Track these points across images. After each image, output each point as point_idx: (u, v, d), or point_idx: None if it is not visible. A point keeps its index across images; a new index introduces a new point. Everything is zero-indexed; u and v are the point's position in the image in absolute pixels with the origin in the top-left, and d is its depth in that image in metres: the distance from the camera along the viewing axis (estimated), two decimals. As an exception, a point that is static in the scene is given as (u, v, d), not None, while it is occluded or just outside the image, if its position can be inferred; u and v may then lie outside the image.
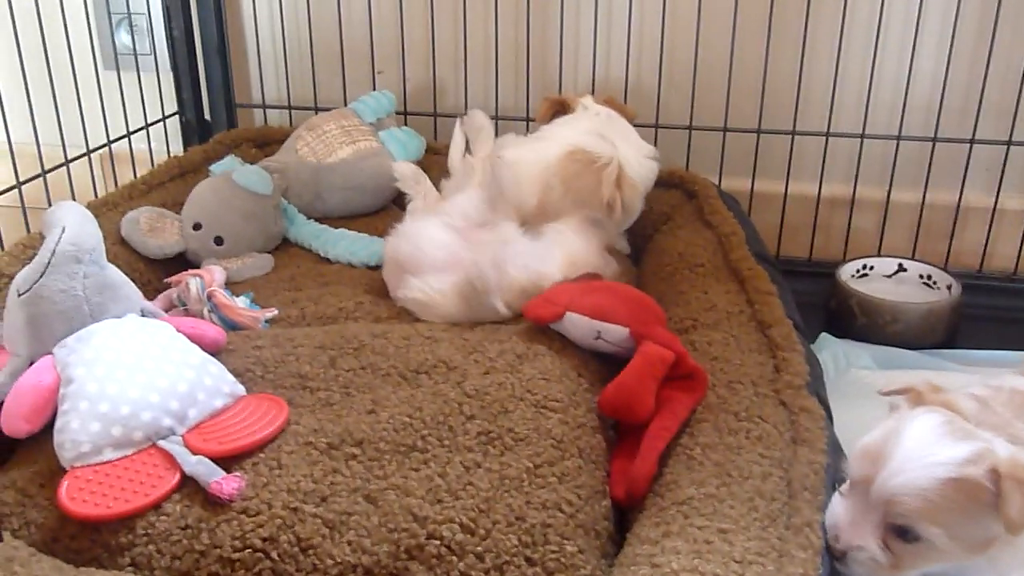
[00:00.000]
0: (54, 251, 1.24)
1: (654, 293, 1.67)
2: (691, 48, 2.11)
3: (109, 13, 2.31)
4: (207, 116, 2.45)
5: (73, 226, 1.27)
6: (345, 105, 2.21)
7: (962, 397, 1.18)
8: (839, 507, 1.09)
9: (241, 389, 1.27)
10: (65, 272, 1.24)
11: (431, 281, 1.53)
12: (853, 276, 1.98)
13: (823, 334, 1.84)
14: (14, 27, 1.80)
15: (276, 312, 1.59)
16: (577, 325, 1.39)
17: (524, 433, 1.20)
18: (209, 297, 1.56)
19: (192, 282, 1.58)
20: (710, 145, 2.16)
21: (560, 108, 1.84)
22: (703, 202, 1.91)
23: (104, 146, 2.09)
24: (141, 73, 2.24)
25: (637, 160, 1.78)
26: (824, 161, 2.12)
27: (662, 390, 1.30)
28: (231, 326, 1.53)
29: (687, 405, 1.29)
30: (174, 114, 2.40)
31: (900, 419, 1.09)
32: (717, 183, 2.09)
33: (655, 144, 2.14)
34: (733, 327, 1.48)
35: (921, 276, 1.98)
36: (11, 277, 1.50)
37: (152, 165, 2.16)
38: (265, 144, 2.27)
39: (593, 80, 2.19)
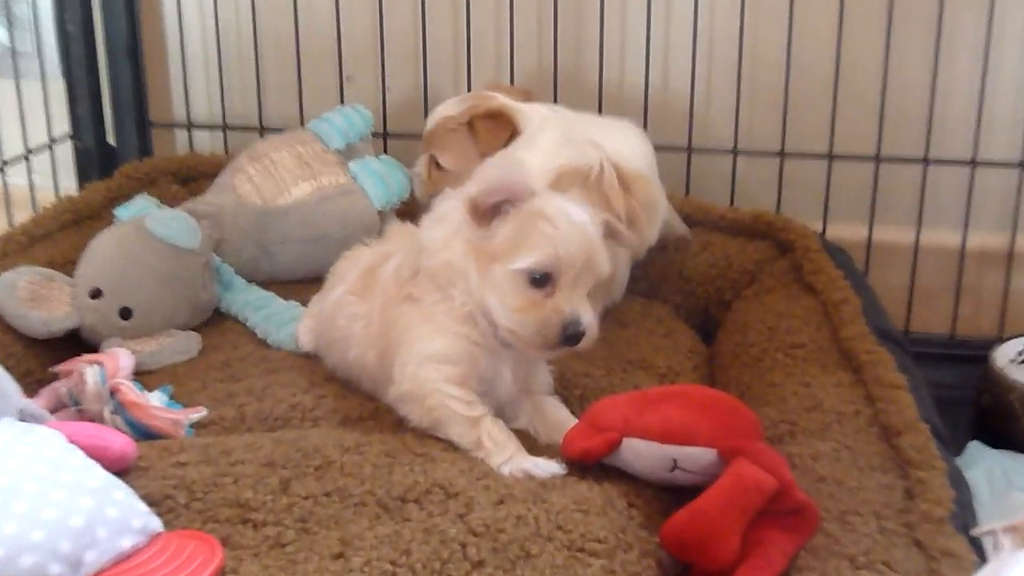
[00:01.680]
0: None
1: (735, 385, 1.69)
2: (779, 50, 2.15)
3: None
4: (111, 140, 2.49)
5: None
6: (302, 125, 2.25)
7: None
8: None
9: (157, 523, 1.26)
10: (-85, 359, 1.25)
11: None
12: (1013, 361, 1.98)
13: (973, 443, 1.84)
14: None
15: (205, 412, 1.59)
16: (642, 454, 1.39)
17: (554, 587, 1.20)
18: (112, 393, 1.57)
19: (89, 372, 1.59)
20: (808, 178, 2.18)
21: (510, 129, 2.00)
22: (802, 257, 1.92)
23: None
24: (21, 81, 2.27)
25: (627, 146, 1.90)
26: (969, 200, 2.13)
27: (754, 529, 1.29)
28: (143, 433, 1.54)
29: (787, 550, 1.28)
30: (66, 137, 2.44)
31: (1001, 564, 1.10)
32: (820, 230, 2.12)
33: (733, 179, 2.18)
34: (847, 435, 1.47)
35: (1109, 362, 1.98)
36: None
37: (35, 208, 2.20)
38: (191, 179, 2.31)
39: (646, 95, 2.22)
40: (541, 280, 1.43)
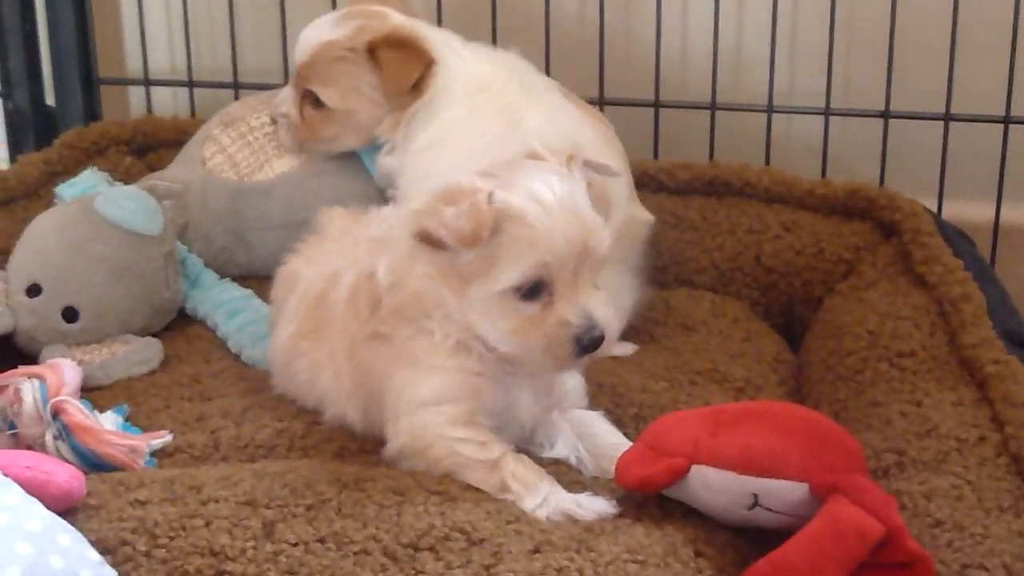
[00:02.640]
0: None
1: (828, 404, 1.68)
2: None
3: None
4: (49, 100, 2.51)
5: None
6: (287, 83, 2.25)
7: None
8: None
9: (111, 575, 1.26)
10: None
11: None
12: None
13: None
14: None
15: (169, 438, 1.60)
16: (715, 486, 1.38)
17: (603, 660, 1.20)
18: (55, 414, 1.57)
19: (26, 388, 1.60)
20: (920, 145, 2.19)
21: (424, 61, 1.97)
22: (910, 242, 1.91)
23: None
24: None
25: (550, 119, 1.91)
26: None
27: (854, 585, 1.29)
28: (93, 464, 1.54)
29: (893, 613, 1.28)
30: (-7, 97, 2.46)
31: None
32: (935, 209, 2.11)
33: (825, 146, 2.17)
34: (969, 467, 1.46)
35: None
36: None
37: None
38: (148, 149, 2.33)
39: (716, 42, 2.21)
40: (533, 291, 1.42)
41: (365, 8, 2.01)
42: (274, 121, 2.08)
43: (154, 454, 1.58)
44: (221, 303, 1.97)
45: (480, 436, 1.48)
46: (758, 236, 2.05)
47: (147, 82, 2.49)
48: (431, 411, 1.49)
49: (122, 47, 2.52)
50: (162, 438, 1.60)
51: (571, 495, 1.43)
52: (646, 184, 2.12)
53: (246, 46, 2.41)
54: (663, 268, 2.07)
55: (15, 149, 2.45)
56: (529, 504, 1.42)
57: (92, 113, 2.50)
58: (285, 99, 2.05)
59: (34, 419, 1.58)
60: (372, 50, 1.93)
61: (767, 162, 2.23)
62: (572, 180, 1.46)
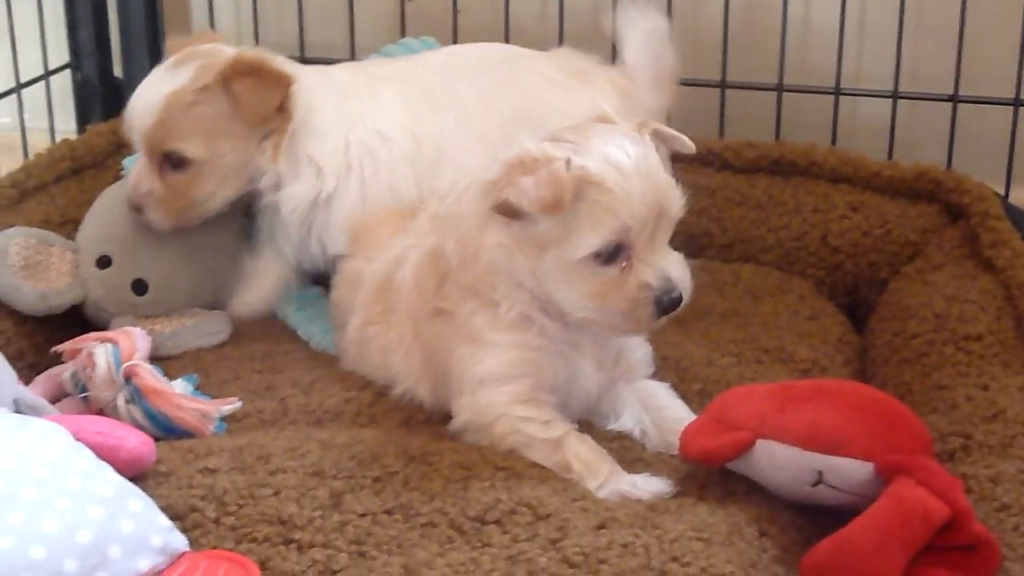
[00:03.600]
0: None
1: (893, 386, 1.67)
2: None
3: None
4: (117, 71, 2.52)
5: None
6: (353, 57, 2.25)
7: None
8: None
9: (182, 541, 1.28)
10: None
11: None
12: None
13: None
14: None
15: (239, 405, 1.61)
16: (780, 461, 1.38)
17: (669, 633, 1.20)
18: (127, 378, 1.59)
19: (100, 352, 1.61)
20: (988, 129, 2.17)
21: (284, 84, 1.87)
22: (978, 225, 1.90)
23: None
24: (13, 1, 2.30)
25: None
26: None
27: (916, 567, 1.28)
28: (164, 427, 1.56)
29: (959, 596, 1.27)
30: (63, 67, 2.47)
31: None
32: (1003, 192, 2.10)
33: (893, 128, 2.16)
34: (1039, 453, 1.45)
35: None
36: None
37: (26, 155, 2.23)
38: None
39: (784, 23, 2.20)
40: (612, 255, 1.42)
41: (194, 49, 1.88)
42: (139, 210, 1.87)
43: (223, 421, 1.59)
44: (290, 298, 1.98)
45: (543, 415, 1.49)
46: (824, 216, 2.03)
47: (216, 54, 2.49)
48: (493, 389, 1.50)
49: (189, 19, 2.54)
50: (231, 404, 1.61)
51: (629, 476, 1.44)
52: (711, 162, 2.12)
53: (313, 20, 2.41)
54: (728, 245, 2.06)
55: (83, 120, 2.47)
56: (592, 485, 1.42)
57: (161, 83, 2.49)
58: (141, 176, 1.86)
59: (106, 383, 1.59)
60: (226, 84, 1.80)
61: (833, 144, 2.21)
62: (644, 143, 1.46)
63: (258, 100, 1.80)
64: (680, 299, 1.44)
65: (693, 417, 1.52)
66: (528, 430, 1.48)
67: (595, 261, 1.42)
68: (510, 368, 1.50)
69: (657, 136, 1.50)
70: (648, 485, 1.42)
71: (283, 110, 1.83)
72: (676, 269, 1.44)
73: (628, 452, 1.52)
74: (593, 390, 1.56)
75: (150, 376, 1.60)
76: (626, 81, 1.92)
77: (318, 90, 1.87)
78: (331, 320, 1.84)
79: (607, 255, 1.42)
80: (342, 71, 1.95)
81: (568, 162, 1.39)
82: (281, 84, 1.82)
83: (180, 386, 1.64)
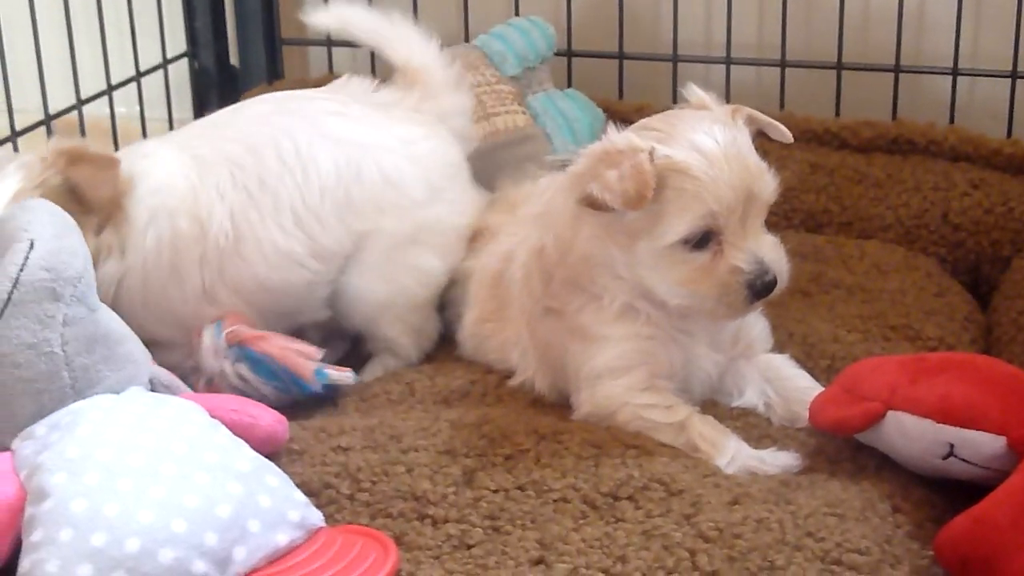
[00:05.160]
0: (16, 280, 1.29)
1: (1020, 362, 1.64)
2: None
3: None
4: (234, 60, 2.54)
5: (47, 240, 1.32)
6: (466, 41, 2.25)
7: None
8: None
9: (317, 517, 1.29)
10: (34, 315, 1.29)
11: None
12: None
13: None
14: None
15: (351, 378, 1.62)
16: (910, 432, 1.37)
17: (807, 608, 1.19)
18: (232, 343, 1.60)
19: (206, 330, 1.63)
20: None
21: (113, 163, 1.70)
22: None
23: (72, 109, 2.18)
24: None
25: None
26: None
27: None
28: (269, 372, 1.57)
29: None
30: (181, 56, 2.50)
31: None
32: None
33: (1012, 107, 2.13)
34: None
35: None
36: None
37: (146, 139, 2.24)
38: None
39: (900, 11, 2.18)
40: (702, 241, 1.41)
41: (29, 162, 1.69)
42: None
43: (329, 384, 1.60)
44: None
45: (664, 400, 1.49)
46: (945, 194, 2.01)
47: (329, 43, 2.50)
48: (610, 382, 1.50)
49: (302, 8, 2.54)
50: (346, 375, 1.61)
51: (755, 451, 1.43)
52: (828, 142, 2.11)
53: (425, 10, 2.41)
54: (848, 223, 2.04)
55: (200, 108, 2.49)
56: (720, 462, 1.42)
57: (275, 72, 2.53)
58: None
59: (212, 351, 1.60)
60: (68, 181, 1.65)
61: (951, 120, 2.19)
62: (735, 128, 1.45)
63: (97, 184, 1.67)
64: (774, 282, 1.42)
65: (818, 387, 1.52)
66: (651, 416, 1.48)
67: (684, 247, 1.42)
68: (623, 360, 1.50)
69: (752, 122, 1.49)
70: (776, 460, 1.42)
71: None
72: (770, 252, 1.43)
73: (754, 429, 1.51)
74: (712, 371, 1.55)
75: (249, 330, 1.61)
76: (415, 88, 1.83)
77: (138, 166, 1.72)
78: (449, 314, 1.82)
79: (696, 241, 1.41)
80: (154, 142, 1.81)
81: (651, 153, 1.39)
82: (111, 165, 1.69)
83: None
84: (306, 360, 1.58)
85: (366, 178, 1.68)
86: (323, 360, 1.62)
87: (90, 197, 1.66)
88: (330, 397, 1.63)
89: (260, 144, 1.67)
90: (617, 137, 1.44)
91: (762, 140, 1.52)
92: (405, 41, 1.84)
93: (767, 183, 1.43)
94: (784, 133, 1.53)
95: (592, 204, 1.42)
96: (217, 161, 1.67)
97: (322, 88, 1.85)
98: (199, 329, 1.64)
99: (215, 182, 1.66)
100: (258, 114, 1.74)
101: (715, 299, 1.43)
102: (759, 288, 1.41)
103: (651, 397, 1.48)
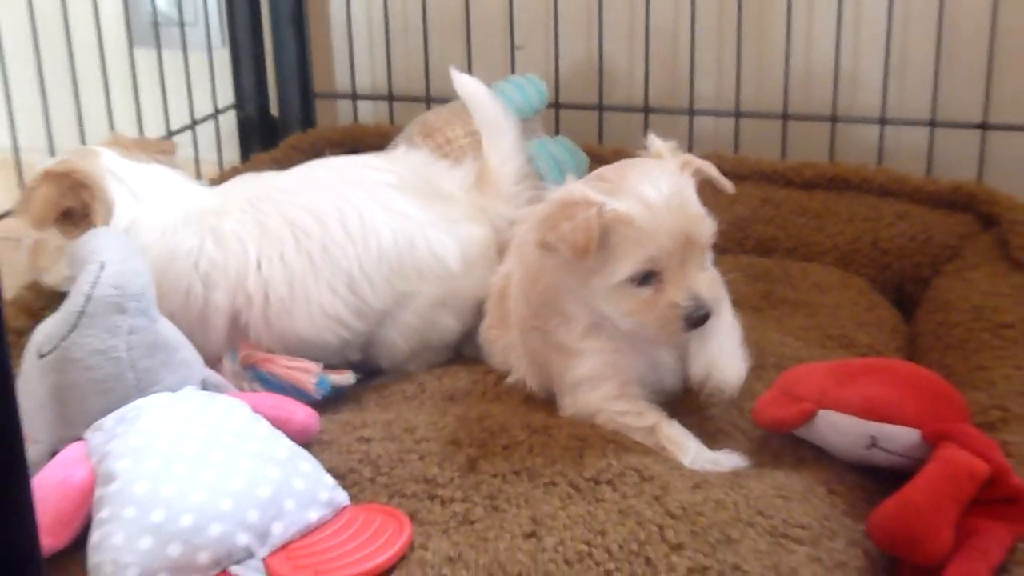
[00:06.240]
0: (89, 296, 1.30)
1: (937, 368, 1.63)
2: (983, 14, 2.09)
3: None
4: (274, 111, 2.55)
5: (115, 262, 1.33)
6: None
7: None
8: None
9: (343, 497, 1.29)
10: (104, 326, 1.30)
11: None
12: None
13: None
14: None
15: (351, 380, 1.60)
16: (838, 428, 1.37)
17: (757, 573, 1.18)
18: (246, 365, 1.59)
19: (226, 359, 1.62)
20: (1014, 151, 2.13)
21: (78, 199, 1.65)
22: (1008, 231, 1.87)
23: (136, 153, 2.19)
24: (188, 52, 2.35)
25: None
26: None
27: (967, 518, 1.25)
28: (277, 387, 1.56)
29: (1004, 542, 1.24)
30: (230, 107, 2.51)
31: None
32: (1026, 207, 2.06)
33: (930, 152, 2.13)
34: (1067, 422, 1.42)
35: None
36: (20, 333, 1.58)
37: (199, 179, 2.25)
38: (355, 150, 2.30)
39: (837, 64, 2.19)
40: (645, 279, 1.39)
41: (86, 148, 1.74)
42: None
43: (333, 387, 1.58)
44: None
45: (635, 408, 1.47)
46: (874, 224, 2.00)
47: (354, 96, 2.52)
48: (588, 390, 1.49)
49: (333, 67, 2.56)
50: (345, 378, 1.60)
51: (712, 454, 1.42)
52: (776, 180, 2.10)
53: (436, 65, 2.42)
54: (792, 249, 2.03)
55: (245, 151, 2.51)
56: (683, 460, 1.41)
57: (309, 122, 2.53)
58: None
59: (231, 374, 1.59)
60: (39, 181, 1.62)
61: (879, 162, 2.21)
62: (681, 178, 1.43)
63: (42, 207, 1.62)
64: (708, 315, 1.40)
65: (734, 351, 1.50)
66: (625, 421, 1.46)
67: (630, 284, 1.40)
68: (596, 371, 1.48)
69: (699, 173, 1.47)
70: (729, 461, 1.40)
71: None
72: (705, 288, 1.41)
73: (710, 423, 1.50)
74: (678, 369, 1.53)
75: (259, 352, 1.60)
76: (479, 182, 1.78)
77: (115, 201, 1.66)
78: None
79: (640, 279, 1.39)
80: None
81: (601, 209, 1.37)
82: (66, 200, 1.63)
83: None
84: (307, 375, 1.56)
85: (417, 248, 1.66)
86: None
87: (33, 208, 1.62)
88: (342, 396, 1.62)
89: (327, 214, 1.64)
90: (575, 188, 1.43)
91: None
92: (501, 141, 1.79)
93: (705, 229, 1.41)
94: (727, 185, 1.50)
95: (549, 248, 1.41)
96: (283, 228, 1.64)
97: (380, 156, 1.82)
98: (219, 357, 1.63)
99: (280, 251, 1.63)
100: (323, 183, 1.70)
101: (656, 328, 1.42)
102: (694, 320, 1.40)
103: (623, 405, 1.47)
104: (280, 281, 1.62)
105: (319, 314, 1.63)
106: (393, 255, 1.65)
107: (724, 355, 1.49)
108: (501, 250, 1.73)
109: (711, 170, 1.49)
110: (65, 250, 1.57)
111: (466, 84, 1.79)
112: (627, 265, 1.39)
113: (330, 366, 1.62)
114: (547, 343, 1.52)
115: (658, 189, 1.39)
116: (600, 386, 1.48)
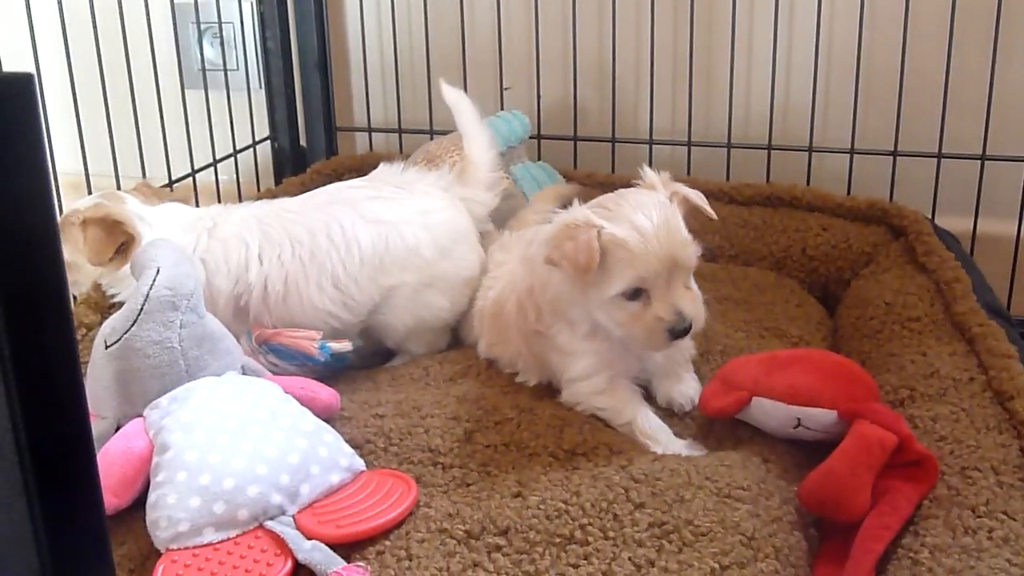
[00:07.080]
0: (147, 296, 1.30)
1: (856, 354, 1.65)
2: (894, 58, 2.09)
3: (198, 21, 2.42)
4: (303, 141, 2.54)
5: (168, 268, 1.33)
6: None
7: None
8: None
9: (360, 463, 1.29)
10: (160, 321, 1.29)
11: None
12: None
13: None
14: (95, 35, 1.90)
15: (348, 347, 1.59)
16: (769, 412, 1.38)
17: (706, 526, 1.18)
18: (259, 341, 1.58)
19: (243, 339, 1.60)
20: (919, 174, 2.12)
21: (120, 239, 1.65)
22: (914, 240, 1.87)
23: (188, 176, 2.19)
24: (230, 92, 2.34)
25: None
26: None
27: (880, 480, 1.26)
28: (287, 355, 1.55)
29: (911, 498, 1.25)
30: (265, 139, 2.50)
31: None
32: (930, 218, 2.06)
33: (850, 175, 2.13)
34: (963, 399, 1.43)
35: None
36: (89, 327, 1.58)
37: (240, 200, 2.25)
38: (371, 175, 2.34)
39: (772, 101, 2.19)
40: (635, 295, 1.39)
41: (115, 192, 1.74)
42: None
43: (335, 355, 1.57)
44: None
45: (618, 403, 1.47)
46: (803, 235, 2.01)
47: (370, 129, 2.52)
48: (579, 386, 1.48)
49: (352, 104, 2.55)
50: (344, 346, 1.58)
51: (679, 444, 1.42)
52: (721, 198, 2.09)
53: (439, 102, 2.40)
54: (735, 256, 2.03)
55: (279, 176, 2.49)
56: (655, 450, 1.40)
57: (332, 151, 2.52)
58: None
59: (249, 351, 1.57)
60: (84, 227, 1.63)
61: (808, 183, 2.20)
62: (669, 207, 1.42)
63: (96, 248, 1.64)
64: (689, 329, 1.40)
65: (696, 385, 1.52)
66: (605, 416, 1.47)
67: (622, 298, 1.39)
68: (589, 368, 1.48)
69: (685, 201, 1.47)
70: (691, 451, 1.40)
71: (124, 255, 1.65)
72: (688, 305, 1.40)
73: (674, 416, 1.51)
74: (661, 362, 1.53)
75: (268, 329, 1.59)
76: (461, 175, 1.79)
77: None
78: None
79: (630, 294, 1.39)
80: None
81: (600, 232, 1.37)
82: (116, 241, 1.64)
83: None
84: (309, 341, 1.56)
85: (392, 247, 1.65)
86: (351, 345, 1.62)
87: (86, 248, 1.63)
88: (344, 366, 1.62)
89: (316, 228, 1.65)
90: (579, 212, 1.43)
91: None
92: (478, 139, 1.81)
93: (689, 253, 1.41)
94: (710, 213, 1.51)
95: (554, 264, 1.41)
96: (283, 237, 1.65)
97: (366, 177, 1.81)
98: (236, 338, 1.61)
99: (278, 253, 1.64)
100: (317, 204, 1.71)
101: (644, 338, 1.41)
102: (677, 332, 1.39)
103: (607, 401, 1.47)
104: (277, 277, 1.64)
105: (310, 308, 1.64)
106: (373, 257, 1.65)
107: (680, 385, 1.52)
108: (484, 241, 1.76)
109: (699, 200, 1.49)
110: (74, 266, 1.65)
111: (450, 93, 1.83)
112: (620, 282, 1.38)
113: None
114: (549, 345, 1.51)
115: (649, 218, 1.39)
116: (589, 381, 1.48)
